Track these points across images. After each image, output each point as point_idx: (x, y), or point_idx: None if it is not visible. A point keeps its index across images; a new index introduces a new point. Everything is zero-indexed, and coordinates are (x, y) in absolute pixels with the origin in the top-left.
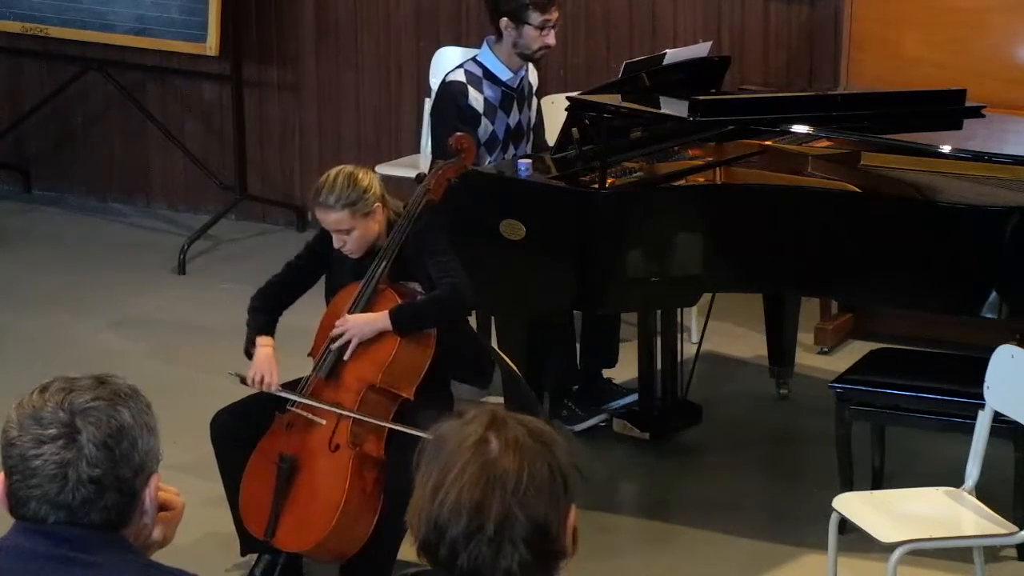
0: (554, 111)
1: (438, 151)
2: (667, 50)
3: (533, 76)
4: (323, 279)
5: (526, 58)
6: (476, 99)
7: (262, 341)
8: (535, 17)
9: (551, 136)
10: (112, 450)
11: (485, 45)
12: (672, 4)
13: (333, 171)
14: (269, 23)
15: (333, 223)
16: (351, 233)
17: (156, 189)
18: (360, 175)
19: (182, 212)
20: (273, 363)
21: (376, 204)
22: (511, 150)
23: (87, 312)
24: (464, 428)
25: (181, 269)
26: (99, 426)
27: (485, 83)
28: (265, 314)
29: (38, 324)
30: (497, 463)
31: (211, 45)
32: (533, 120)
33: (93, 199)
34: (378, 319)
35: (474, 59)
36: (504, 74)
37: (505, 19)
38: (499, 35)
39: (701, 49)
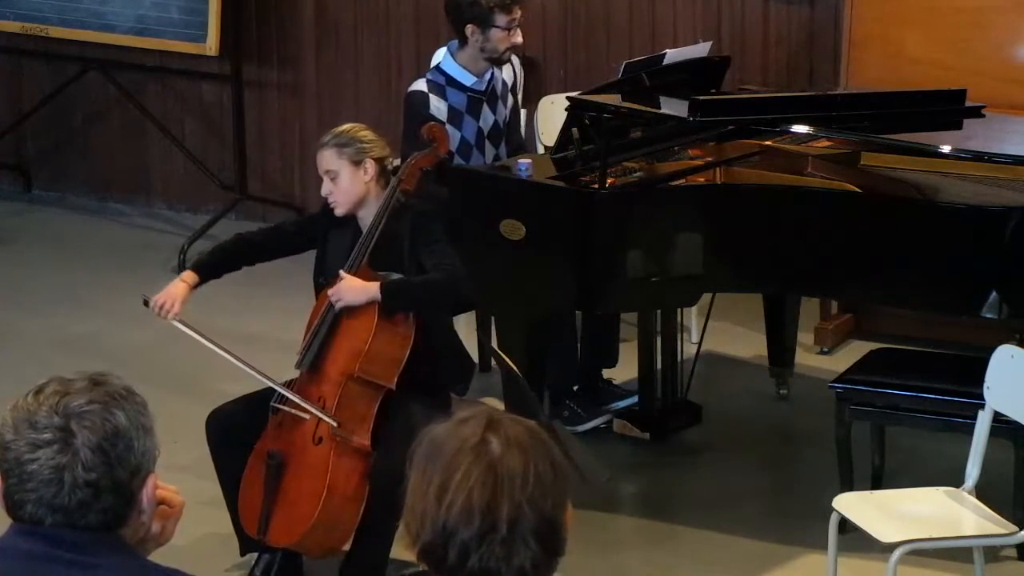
0: (554, 111)
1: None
2: (667, 50)
3: (507, 74)
4: (311, 282)
5: (495, 61)
6: (439, 107)
7: (186, 275)
8: (501, 19)
9: (550, 136)
10: (108, 453)
11: (447, 52)
12: (672, 4)
13: None
14: (269, 23)
15: (323, 163)
16: (337, 181)
17: (156, 189)
18: (364, 130)
19: (182, 212)
20: (181, 295)
21: (368, 160)
22: (491, 151)
23: (87, 312)
24: (460, 430)
25: (181, 269)
26: (94, 430)
27: (449, 90)
28: (224, 256)
29: (38, 324)
30: (503, 462)
31: (211, 45)
32: (508, 118)
33: (93, 199)
34: (369, 288)
35: (437, 67)
36: (467, 79)
37: (471, 26)
38: (464, 42)
39: (701, 49)
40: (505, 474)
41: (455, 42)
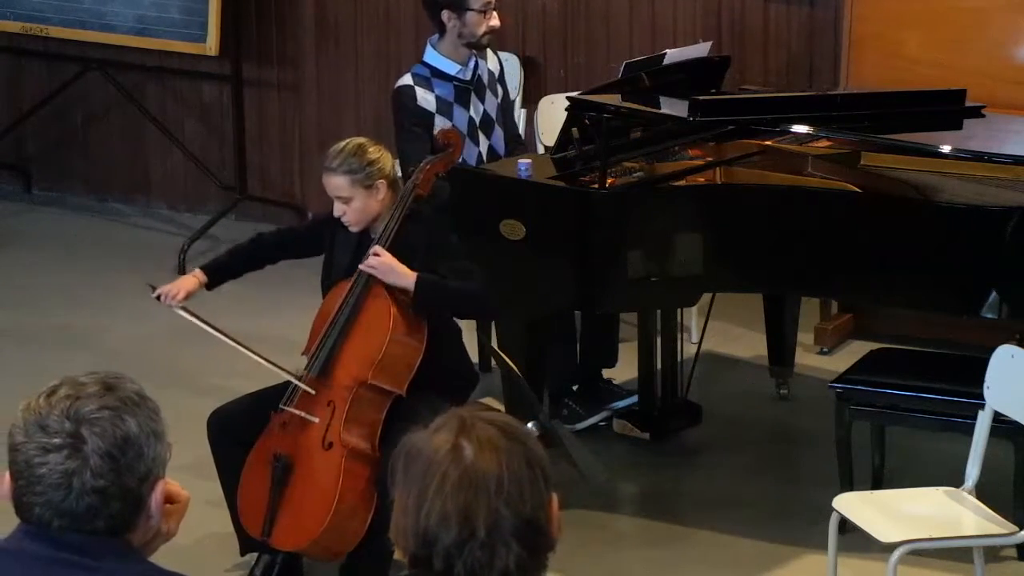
0: (554, 111)
1: (401, 158)
2: (667, 50)
3: (493, 64)
4: (319, 279)
5: (473, 46)
6: (426, 99)
7: (196, 272)
8: (475, 1)
9: (550, 136)
10: (117, 460)
11: (428, 45)
12: (672, 4)
13: (348, 139)
14: (269, 23)
15: (334, 188)
16: (351, 203)
17: (156, 189)
18: (370, 148)
19: (182, 212)
20: (188, 286)
21: (380, 180)
22: (484, 141)
23: (87, 312)
24: (434, 438)
25: (181, 269)
26: (104, 437)
27: (434, 82)
28: (239, 259)
29: (38, 324)
30: (476, 467)
31: (211, 45)
32: (499, 108)
33: (93, 199)
34: (404, 274)
35: (421, 61)
36: (451, 68)
37: (446, 12)
38: (442, 30)
39: (701, 49)
40: (479, 478)
41: (436, 35)
